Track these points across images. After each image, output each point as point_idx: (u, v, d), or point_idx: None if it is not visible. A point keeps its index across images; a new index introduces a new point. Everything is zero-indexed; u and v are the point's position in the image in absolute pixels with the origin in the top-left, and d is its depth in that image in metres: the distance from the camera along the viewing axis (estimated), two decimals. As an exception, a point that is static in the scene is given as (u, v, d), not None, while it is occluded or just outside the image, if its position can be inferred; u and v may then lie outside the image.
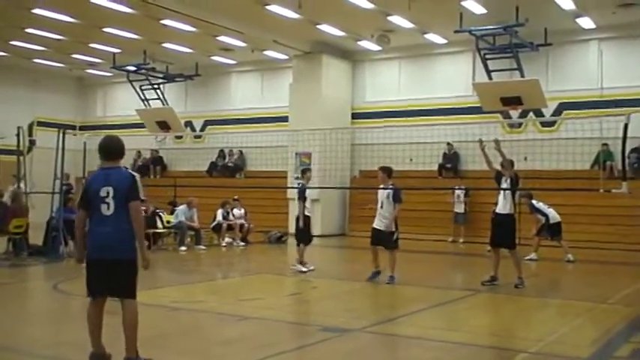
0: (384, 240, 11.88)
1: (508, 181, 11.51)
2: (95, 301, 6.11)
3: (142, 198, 6.20)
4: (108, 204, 5.99)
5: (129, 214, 6.00)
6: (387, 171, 12.14)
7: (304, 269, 13.14)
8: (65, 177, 18.29)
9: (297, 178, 22.62)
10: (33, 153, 21.00)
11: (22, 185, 17.14)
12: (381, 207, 11.90)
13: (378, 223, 11.97)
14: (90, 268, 6.09)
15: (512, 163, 11.73)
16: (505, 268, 11.77)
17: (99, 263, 5.99)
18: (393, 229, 11.86)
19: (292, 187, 21.96)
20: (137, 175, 6.25)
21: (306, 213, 13.43)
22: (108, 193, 6.00)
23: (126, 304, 5.98)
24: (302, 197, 13.34)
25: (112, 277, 5.99)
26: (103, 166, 6.25)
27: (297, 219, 13.45)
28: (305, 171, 13.95)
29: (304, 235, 13.47)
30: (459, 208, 20.69)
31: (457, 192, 20.43)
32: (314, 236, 13.66)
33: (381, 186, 12.11)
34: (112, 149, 6.24)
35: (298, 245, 13.43)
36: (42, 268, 13.94)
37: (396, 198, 11.84)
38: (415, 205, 19.33)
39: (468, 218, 20.61)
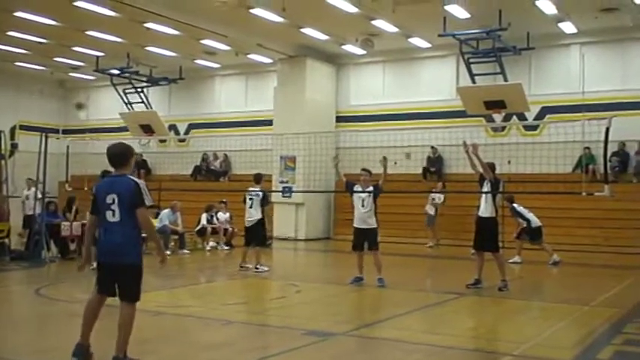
0: (369, 240, 11.98)
1: (488, 184, 11.56)
2: (98, 295, 6.37)
3: (149, 204, 6.33)
4: (113, 211, 6.23)
5: (134, 220, 6.22)
6: (371, 173, 12.28)
7: (266, 268, 13.84)
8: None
9: (281, 182, 22.71)
10: (15, 157, 20.83)
11: (34, 189, 16.94)
12: (362, 205, 11.97)
13: (360, 223, 12.07)
14: (99, 269, 6.37)
15: (493, 166, 11.78)
16: (489, 271, 11.82)
17: (106, 266, 6.30)
18: (376, 226, 12.06)
19: (277, 191, 22.00)
20: (142, 182, 6.35)
21: (261, 216, 14.10)
22: (113, 200, 6.23)
23: (124, 306, 6.20)
24: (268, 203, 14.35)
25: (117, 280, 6.25)
26: (112, 174, 6.48)
27: (263, 223, 14.14)
28: (261, 177, 14.59)
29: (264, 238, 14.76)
30: (432, 210, 20.58)
31: (433, 195, 20.30)
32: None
33: (362, 187, 12.14)
34: (115, 157, 6.43)
35: (263, 245, 14.48)
36: (24, 273, 13.80)
37: (378, 193, 12.02)
38: (398, 209, 19.39)
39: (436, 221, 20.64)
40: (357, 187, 12.18)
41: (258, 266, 13.77)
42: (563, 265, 15.61)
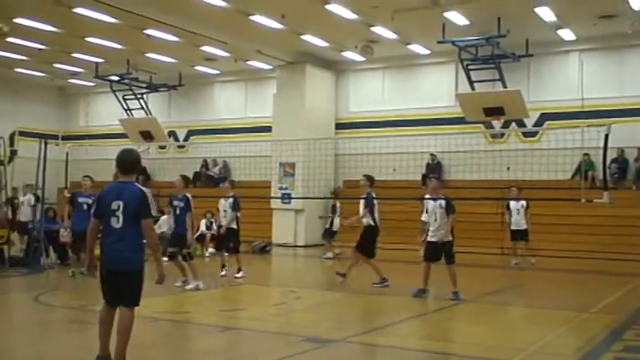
0: (446, 253, 11.48)
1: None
2: (108, 306, 6.30)
3: (154, 215, 6.32)
4: (117, 217, 6.20)
5: (138, 228, 6.20)
6: (442, 182, 11.99)
7: (223, 273, 13.92)
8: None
9: (280, 188, 22.71)
10: (14, 163, 20.81)
11: (30, 196, 16.88)
12: (435, 220, 11.43)
13: (432, 236, 11.48)
14: (103, 278, 6.30)
15: (370, 178, 12.55)
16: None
17: (109, 273, 6.22)
18: (452, 239, 11.58)
19: (276, 197, 21.99)
20: (148, 191, 6.32)
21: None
22: (118, 206, 6.20)
23: (123, 311, 6.18)
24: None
25: (119, 286, 6.19)
26: (119, 180, 6.44)
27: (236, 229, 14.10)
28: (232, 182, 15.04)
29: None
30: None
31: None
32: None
33: (427, 195, 11.80)
34: (125, 163, 6.42)
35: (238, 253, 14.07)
36: (23, 280, 13.78)
37: (451, 208, 11.52)
38: (397, 215, 19.36)
39: None
40: (428, 201, 11.68)
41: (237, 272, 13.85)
42: (563, 271, 15.56)
